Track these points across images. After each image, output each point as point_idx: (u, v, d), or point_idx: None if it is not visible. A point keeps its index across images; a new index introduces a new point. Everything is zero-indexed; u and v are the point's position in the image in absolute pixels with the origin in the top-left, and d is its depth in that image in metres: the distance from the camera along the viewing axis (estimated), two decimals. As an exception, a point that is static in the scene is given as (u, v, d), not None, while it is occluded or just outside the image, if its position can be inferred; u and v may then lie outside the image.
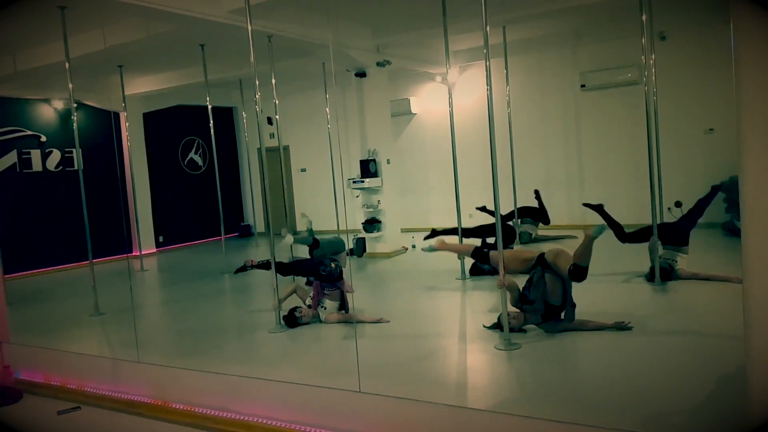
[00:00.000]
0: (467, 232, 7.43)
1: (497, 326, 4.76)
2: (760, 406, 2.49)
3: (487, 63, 4.62)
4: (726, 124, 8.83)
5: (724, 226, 8.70)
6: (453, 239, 7.01)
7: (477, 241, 7.39)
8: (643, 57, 6.44)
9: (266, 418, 3.82)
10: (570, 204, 10.50)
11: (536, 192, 9.61)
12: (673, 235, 6.25)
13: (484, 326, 4.93)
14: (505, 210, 8.11)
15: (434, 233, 7.95)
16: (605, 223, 4.48)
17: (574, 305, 4.74)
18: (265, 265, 6.24)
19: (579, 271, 4.58)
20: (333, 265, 5.73)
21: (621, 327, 4.61)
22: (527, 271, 4.93)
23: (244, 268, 6.63)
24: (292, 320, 5.57)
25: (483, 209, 8.81)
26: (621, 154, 9.99)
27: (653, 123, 6.76)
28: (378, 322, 5.48)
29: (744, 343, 2.54)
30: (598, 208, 6.70)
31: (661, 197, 7.42)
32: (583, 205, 6.97)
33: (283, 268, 6.13)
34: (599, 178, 10.30)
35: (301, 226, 7.74)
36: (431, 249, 5.98)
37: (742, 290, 2.52)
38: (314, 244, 7.45)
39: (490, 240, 7.34)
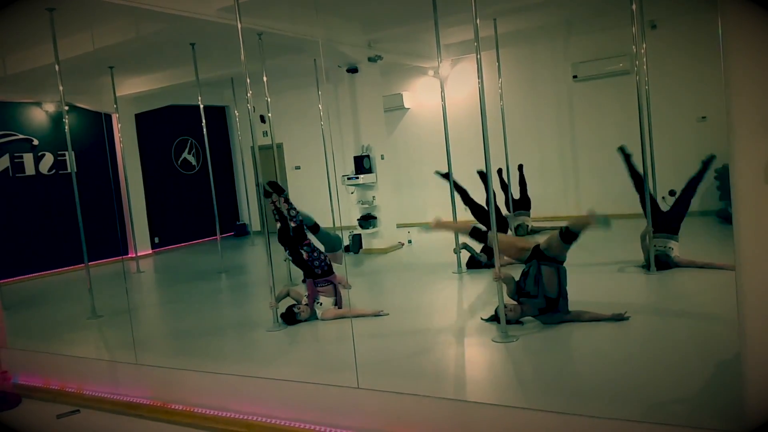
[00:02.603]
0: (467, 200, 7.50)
1: (494, 318, 4.77)
2: (757, 397, 2.51)
3: (478, 56, 4.62)
4: (719, 112, 8.81)
5: (719, 214, 8.73)
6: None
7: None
8: (634, 46, 6.45)
9: (265, 416, 3.82)
10: (565, 194, 10.52)
11: (520, 167, 9.46)
12: (666, 222, 6.26)
13: (482, 318, 4.94)
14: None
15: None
16: (610, 220, 4.56)
17: (566, 296, 4.76)
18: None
19: (570, 235, 4.66)
20: (323, 256, 5.82)
21: (618, 318, 4.62)
22: (523, 261, 4.95)
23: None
24: (290, 317, 5.56)
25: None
26: (614, 143, 9.89)
27: (645, 112, 6.76)
28: (377, 315, 5.49)
29: (738, 331, 2.55)
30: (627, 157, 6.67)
31: (654, 186, 7.44)
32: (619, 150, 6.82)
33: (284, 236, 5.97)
34: (593, 168, 10.30)
35: None
36: (427, 229, 6.00)
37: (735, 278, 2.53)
38: (315, 227, 7.27)
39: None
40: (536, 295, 4.72)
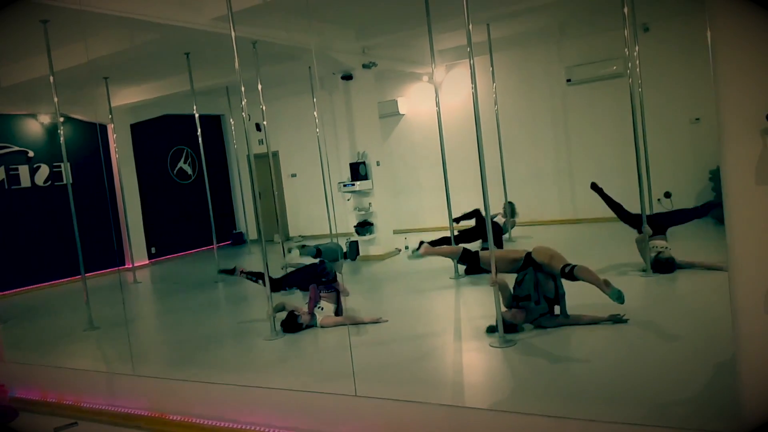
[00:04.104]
0: (457, 240, 7.42)
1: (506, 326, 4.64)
2: (752, 397, 2.51)
3: (471, 61, 4.64)
4: (712, 113, 8.78)
5: (713, 215, 8.73)
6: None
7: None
8: (626, 49, 6.47)
9: (263, 425, 3.81)
10: (560, 198, 10.54)
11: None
12: (652, 224, 6.25)
13: (488, 330, 4.74)
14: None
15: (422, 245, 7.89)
16: (623, 295, 4.52)
17: (563, 294, 4.77)
18: (255, 275, 6.16)
19: (572, 278, 4.65)
20: (327, 265, 5.87)
21: (616, 320, 4.62)
22: (516, 270, 4.92)
23: (231, 272, 6.53)
24: (292, 324, 5.51)
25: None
26: (609, 146, 10.02)
27: (639, 114, 6.78)
28: (376, 322, 5.48)
29: (732, 331, 2.55)
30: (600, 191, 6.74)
31: (650, 188, 7.45)
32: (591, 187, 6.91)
33: (277, 284, 6.07)
34: (588, 171, 10.30)
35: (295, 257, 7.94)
36: (418, 256, 5.92)
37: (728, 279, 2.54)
38: (317, 253, 7.53)
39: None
40: (537, 300, 4.71)
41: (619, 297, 4.45)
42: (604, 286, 4.51)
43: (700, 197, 8.98)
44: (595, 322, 4.68)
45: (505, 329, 4.58)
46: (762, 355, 2.47)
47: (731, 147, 2.43)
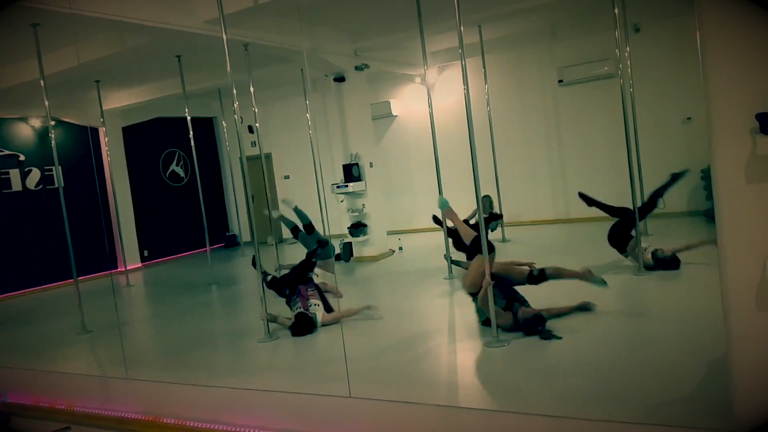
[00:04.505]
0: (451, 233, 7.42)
1: (536, 330, 4.54)
2: (743, 394, 2.53)
3: (463, 62, 4.65)
4: (704, 113, 8.89)
5: (706, 214, 8.80)
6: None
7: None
8: (617, 50, 6.51)
9: (258, 428, 3.80)
10: (553, 198, 10.57)
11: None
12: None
13: (547, 336, 4.49)
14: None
15: (437, 220, 7.85)
16: (604, 281, 4.68)
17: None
18: (267, 275, 6.03)
19: (544, 280, 4.74)
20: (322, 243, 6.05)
21: (585, 308, 4.68)
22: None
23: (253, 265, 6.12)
24: (306, 324, 5.41)
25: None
26: (601, 146, 10.06)
27: (631, 114, 6.81)
28: (368, 308, 5.61)
29: (724, 328, 2.57)
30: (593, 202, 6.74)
31: (641, 188, 7.48)
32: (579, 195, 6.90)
33: (276, 286, 5.99)
34: (581, 171, 10.36)
35: (283, 210, 7.77)
36: (445, 205, 5.65)
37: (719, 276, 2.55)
38: (309, 227, 7.33)
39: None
40: (523, 301, 4.71)
41: (602, 282, 4.68)
42: (588, 274, 4.60)
43: (691, 197, 9.04)
44: (562, 313, 4.77)
45: (532, 324, 4.47)
46: (753, 352, 2.49)
47: (722, 146, 2.45)
